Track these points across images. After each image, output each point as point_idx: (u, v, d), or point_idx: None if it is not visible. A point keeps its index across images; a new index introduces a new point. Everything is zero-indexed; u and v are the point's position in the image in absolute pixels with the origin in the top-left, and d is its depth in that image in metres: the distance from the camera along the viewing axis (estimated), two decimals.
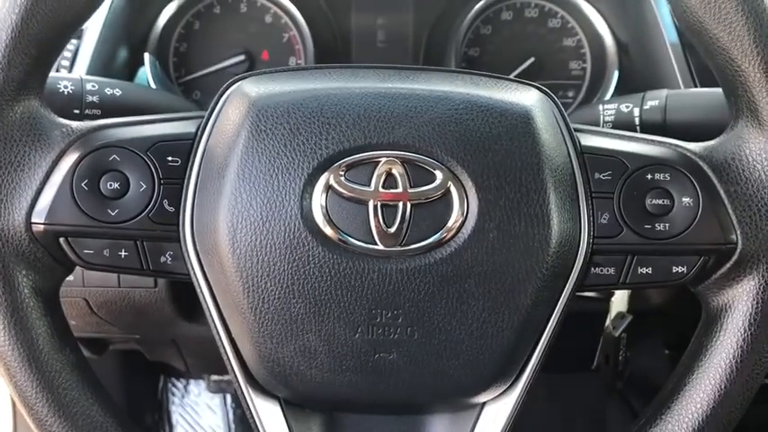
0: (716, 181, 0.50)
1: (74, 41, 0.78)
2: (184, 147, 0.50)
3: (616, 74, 0.87)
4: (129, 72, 0.85)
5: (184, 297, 0.75)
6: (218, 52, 0.88)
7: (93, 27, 0.78)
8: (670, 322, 0.88)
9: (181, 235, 0.49)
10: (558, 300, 0.49)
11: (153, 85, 0.84)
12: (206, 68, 0.88)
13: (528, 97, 0.50)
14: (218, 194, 0.48)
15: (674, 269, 0.50)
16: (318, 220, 0.47)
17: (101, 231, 0.49)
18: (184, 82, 0.89)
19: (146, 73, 0.85)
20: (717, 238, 0.50)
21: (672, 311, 0.82)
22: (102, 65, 0.78)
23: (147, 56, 0.86)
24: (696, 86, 0.78)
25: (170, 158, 0.50)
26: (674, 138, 0.53)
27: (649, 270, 0.50)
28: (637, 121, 0.65)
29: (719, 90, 0.53)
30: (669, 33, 0.80)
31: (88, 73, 0.76)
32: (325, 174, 0.47)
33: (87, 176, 0.49)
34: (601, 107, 0.67)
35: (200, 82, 0.89)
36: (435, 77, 0.52)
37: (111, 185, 0.49)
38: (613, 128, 0.65)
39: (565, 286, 0.49)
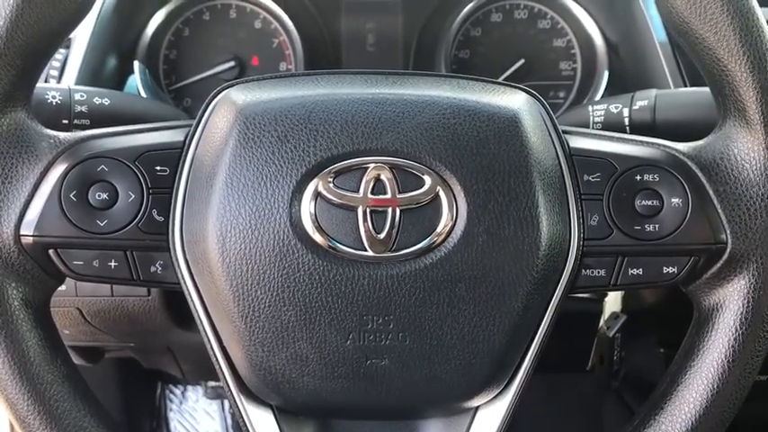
0: (705, 181, 0.50)
1: (62, 51, 0.78)
2: (173, 156, 0.50)
3: (606, 74, 0.87)
4: (119, 80, 0.84)
5: (178, 305, 0.75)
6: (209, 59, 0.88)
7: (82, 36, 0.78)
8: (664, 321, 0.88)
9: (170, 244, 0.49)
10: (549, 302, 0.49)
11: (143, 94, 0.84)
12: (196, 75, 0.88)
13: (515, 100, 0.50)
14: (206, 203, 0.48)
15: (665, 270, 0.50)
16: (308, 227, 0.46)
17: (90, 242, 0.49)
18: (175, 89, 0.89)
19: (135, 81, 0.85)
20: (707, 237, 0.50)
21: (666, 310, 0.82)
22: (92, 74, 0.78)
23: (136, 64, 0.85)
24: (686, 85, 0.78)
25: (158, 168, 0.49)
26: (664, 137, 0.54)
27: (640, 271, 0.50)
28: (626, 121, 0.65)
29: (708, 89, 0.53)
30: (658, 33, 0.81)
31: (77, 82, 0.76)
32: (314, 181, 0.47)
33: (76, 187, 0.49)
34: (590, 108, 0.67)
35: (190, 89, 0.89)
36: (422, 82, 0.52)
37: (99, 196, 0.49)
38: (603, 129, 0.65)
39: (555, 289, 0.49)
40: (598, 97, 0.87)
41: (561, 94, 0.90)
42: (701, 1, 0.47)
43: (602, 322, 0.85)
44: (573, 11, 0.88)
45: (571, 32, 0.89)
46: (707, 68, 0.50)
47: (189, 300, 0.49)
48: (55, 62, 0.77)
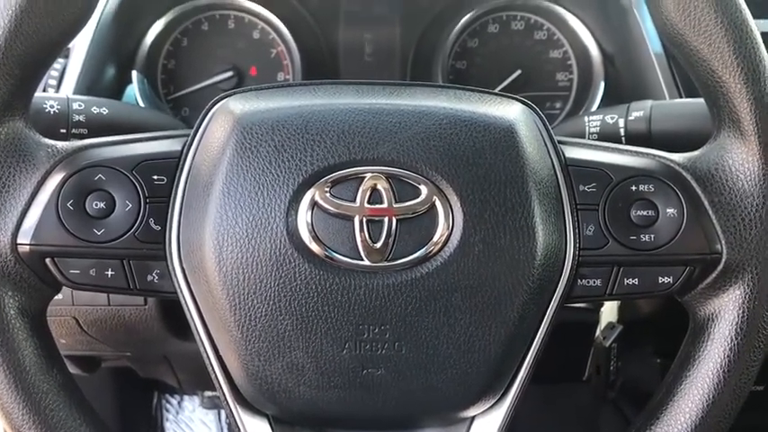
0: (700, 191, 0.50)
1: (61, 60, 0.78)
2: (170, 165, 0.50)
3: (602, 85, 0.87)
4: (117, 90, 0.85)
5: (175, 314, 0.75)
6: (207, 69, 0.88)
7: (81, 45, 0.78)
8: (660, 331, 0.88)
9: (167, 253, 0.49)
10: (545, 312, 0.49)
11: (141, 103, 0.85)
12: (194, 85, 0.88)
13: (511, 111, 0.50)
14: (203, 212, 0.48)
15: (661, 280, 0.51)
16: (304, 236, 0.47)
17: (87, 251, 0.49)
18: (173, 99, 0.89)
19: (134, 90, 0.85)
20: (702, 248, 0.50)
21: (662, 320, 0.82)
22: (90, 83, 0.78)
23: (134, 73, 0.86)
24: (681, 96, 0.79)
25: (156, 177, 0.50)
26: (659, 148, 0.54)
27: (636, 281, 0.51)
28: (622, 132, 0.65)
29: (703, 100, 0.53)
30: (654, 44, 0.81)
31: (76, 92, 0.76)
32: (311, 190, 0.47)
33: (73, 196, 0.49)
34: (586, 119, 0.67)
35: (188, 98, 0.89)
36: (419, 93, 0.52)
37: (96, 205, 0.49)
38: (599, 139, 0.65)
39: (552, 299, 0.49)
40: (594, 108, 0.87)
41: (558, 105, 0.90)
42: (695, 13, 0.48)
43: (598, 332, 0.85)
44: (569, 22, 0.89)
45: (567, 43, 0.90)
46: (701, 80, 0.50)
47: (185, 309, 0.49)
48: (53, 71, 0.77)
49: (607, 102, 0.87)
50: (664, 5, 0.49)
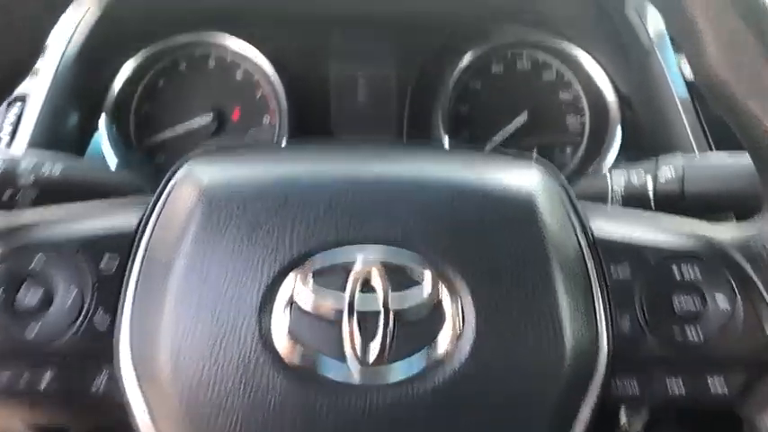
0: (754, 276, 0.43)
1: (18, 104, 0.70)
2: (123, 243, 0.42)
3: (619, 129, 0.80)
4: (82, 139, 0.77)
5: None
6: (185, 112, 0.81)
7: (38, 91, 0.70)
8: (692, 414, 0.79)
9: (115, 356, 0.40)
10: (574, 425, 0.41)
11: (110, 152, 0.77)
12: (171, 130, 0.80)
13: (529, 177, 0.43)
14: (159, 308, 0.39)
15: (711, 382, 0.42)
16: (280, 342, 0.38)
17: (18, 354, 0.40)
18: (147, 145, 0.81)
19: (101, 139, 0.77)
20: (759, 344, 0.42)
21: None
22: (49, 133, 0.70)
23: (102, 119, 0.78)
24: (708, 143, 0.71)
25: (106, 259, 0.42)
26: (694, 211, 0.47)
27: (681, 384, 0.42)
28: (651, 194, 0.57)
29: (742, 159, 0.46)
30: (677, 86, 0.74)
31: (32, 143, 0.68)
32: (289, 280, 0.39)
33: (2, 285, 0.41)
34: (608, 176, 0.59)
35: (164, 145, 0.81)
36: (420, 156, 0.44)
37: (31, 296, 0.41)
38: (624, 201, 0.57)
39: (581, 407, 0.41)
40: (611, 155, 0.80)
41: (568, 151, 0.83)
42: (748, 66, 0.41)
43: (623, 420, 0.77)
44: (580, 61, 0.81)
45: (578, 84, 0.82)
46: (752, 141, 0.43)
47: (136, 426, 0.40)
48: (8, 118, 0.69)
49: (626, 148, 0.79)
50: (708, 54, 0.42)
